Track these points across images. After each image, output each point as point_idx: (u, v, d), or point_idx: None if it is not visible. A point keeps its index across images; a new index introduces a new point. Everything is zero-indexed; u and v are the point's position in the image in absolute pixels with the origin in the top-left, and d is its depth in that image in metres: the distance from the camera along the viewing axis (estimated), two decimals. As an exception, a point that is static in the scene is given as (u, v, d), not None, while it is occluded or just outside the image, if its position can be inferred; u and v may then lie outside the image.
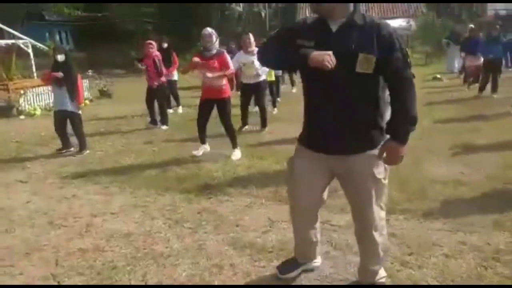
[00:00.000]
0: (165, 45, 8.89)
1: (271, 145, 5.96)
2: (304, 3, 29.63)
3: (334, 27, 1.92)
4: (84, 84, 11.80)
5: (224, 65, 5.12)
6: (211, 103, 5.26)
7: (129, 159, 5.54)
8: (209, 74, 5.02)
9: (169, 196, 3.99)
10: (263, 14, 25.46)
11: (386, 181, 2.10)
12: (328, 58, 1.82)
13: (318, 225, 2.39)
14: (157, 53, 7.70)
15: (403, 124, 1.94)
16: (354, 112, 1.97)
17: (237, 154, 5.30)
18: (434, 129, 6.34)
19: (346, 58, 1.86)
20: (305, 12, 28.31)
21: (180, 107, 9.28)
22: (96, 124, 8.24)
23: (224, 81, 5.24)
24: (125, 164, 5.27)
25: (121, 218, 3.52)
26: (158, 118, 7.78)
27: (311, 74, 1.98)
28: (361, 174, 2.05)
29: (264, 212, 3.46)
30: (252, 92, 7.00)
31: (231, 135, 5.39)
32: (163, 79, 7.67)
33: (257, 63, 6.44)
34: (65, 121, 6.01)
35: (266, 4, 28.14)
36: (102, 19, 24.67)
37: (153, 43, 7.75)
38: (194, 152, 5.41)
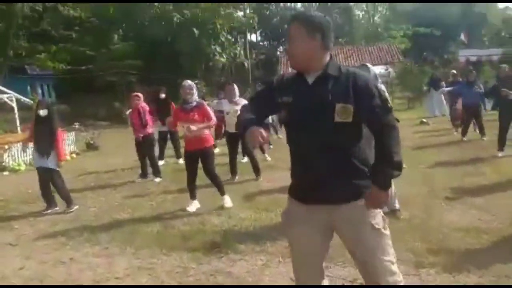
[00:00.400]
0: (163, 95, 8.77)
1: (273, 194, 5.75)
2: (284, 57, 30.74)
3: (310, 80, 1.96)
4: (70, 137, 11.64)
5: (205, 116, 5.07)
6: (195, 154, 5.12)
7: (126, 215, 5.25)
8: (193, 127, 4.92)
9: (176, 256, 3.71)
10: (246, 65, 26.15)
11: (387, 232, 2.00)
12: (255, 140, 1.90)
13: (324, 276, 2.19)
14: (143, 104, 7.55)
15: (385, 169, 1.90)
16: (339, 159, 1.95)
17: (227, 201, 5.18)
18: (435, 173, 6.29)
19: (324, 109, 1.91)
20: (286, 63, 29.25)
21: (181, 159, 9.03)
22: (86, 179, 7.94)
23: (207, 131, 5.17)
24: (122, 221, 4.98)
25: (127, 284, 3.21)
26: (150, 170, 7.55)
27: (293, 125, 2.02)
28: (357, 224, 1.97)
29: (284, 272, 3.21)
30: (237, 141, 6.91)
31: (218, 183, 5.26)
32: (149, 130, 7.45)
33: None
34: (48, 179, 5.73)
35: (248, 56, 29.07)
36: (86, 72, 24.76)
37: (140, 95, 7.63)
38: (188, 209, 5.17)
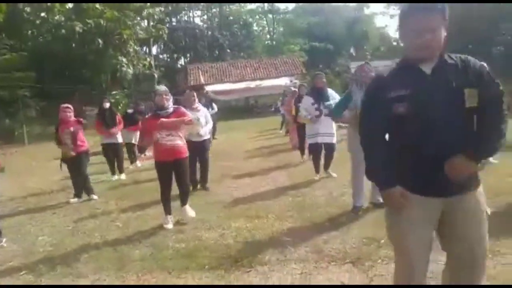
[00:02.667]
0: (107, 105, 8.00)
1: (250, 199, 5.51)
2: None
3: (427, 69, 1.90)
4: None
5: (182, 116, 4.73)
6: (170, 165, 4.72)
7: (96, 239, 4.51)
8: (179, 133, 4.63)
9: (195, 277, 3.28)
10: (156, 76, 25.16)
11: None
12: (396, 207, 1.96)
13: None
14: (74, 118, 6.70)
15: (488, 142, 1.89)
16: (464, 147, 1.87)
17: (190, 210, 4.93)
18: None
19: (453, 96, 1.85)
20: (195, 75, 28.90)
21: (123, 174, 8.22)
22: (9, 204, 6.69)
23: (182, 141, 4.81)
24: (97, 246, 4.26)
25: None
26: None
27: (414, 118, 1.90)
28: (475, 212, 1.95)
29: (331, 277, 3.03)
30: (197, 150, 6.53)
31: (187, 192, 4.97)
32: (84, 148, 6.59)
33: (202, 120, 6.16)
34: None
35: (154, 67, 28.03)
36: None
37: (70, 106, 6.75)
38: (166, 226, 4.68)
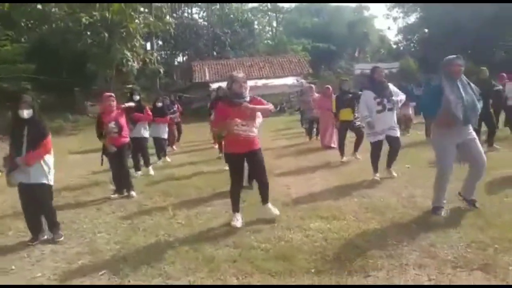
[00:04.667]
0: (137, 97, 7.64)
1: (316, 200, 5.19)
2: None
3: None
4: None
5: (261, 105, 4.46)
6: (243, 157, 4.47)
7: (163, 238, 4.22)
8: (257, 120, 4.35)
9: (304, 280, 3.01)
10: (161, 71, 24.72)
11: None
12: None
13: None
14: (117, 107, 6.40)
15: None
16: None
17: (273, 208, 4.60)
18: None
19: None
20: (200, 71, 28.56)
21: (151, 169, 7.88)
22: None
23: (256, 131, 4.54)
24: (168, 245, 3.95)
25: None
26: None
27: None
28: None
29: (474, 279, 2.79)
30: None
31: (267, 187, 4.56)
32: (127, 140, 6.29)
33: None
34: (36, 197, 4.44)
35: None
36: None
37: (113, 95, 6.44)
38: (235, 223, 4.40)
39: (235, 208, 4.54)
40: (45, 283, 3.38)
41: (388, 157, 6.18)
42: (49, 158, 4.48)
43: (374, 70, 6.21)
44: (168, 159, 9.15)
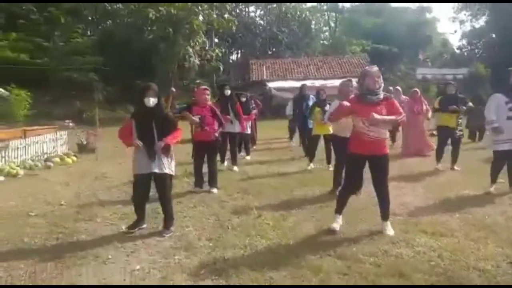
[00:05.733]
0: (228, 92, 7.58)
1: (413, 214, 4.84)
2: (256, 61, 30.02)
3: None
4: (63, 136, 9.82)
5: (394, 112, 4.05)
6: (364, 160, 4.13)
7: (255, 239, 4.03)
8: (377, 116, 3.85)
9: None
10: (221, 68, 24.95)
11: None
12: None
13: None
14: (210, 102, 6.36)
15: None
16: None
17: (390, 229, 4.15)
18: None
19: None
20: (257, 70, 28.55)
21: (236, 166, 7.80)
22: (125, 189, 6.38)
23: (387, 134, 4.23)
24: (268, 251, 3.74)
25: None
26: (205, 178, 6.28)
27: None
28: None
29: None
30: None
31: (388, 201, 4.20)
32: (212, 136, 6.09)
33: None
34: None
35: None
36: (41, 65, 21.85)
37: (208, 89, 6.38)
38: (333, 226, 4.14)
39: (339, 210, 4.25)
40: (146, 277, 3.29)
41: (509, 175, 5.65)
42: (172, 148, 4.42)
43: (510, 72, 5.58)
44: (248, 157, 9.05)
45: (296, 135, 10.94)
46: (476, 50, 42.81)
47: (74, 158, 9.07)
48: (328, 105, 6.93)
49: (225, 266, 3.38)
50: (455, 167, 7.32)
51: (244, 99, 8.88)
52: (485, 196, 5.45)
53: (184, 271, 3.34)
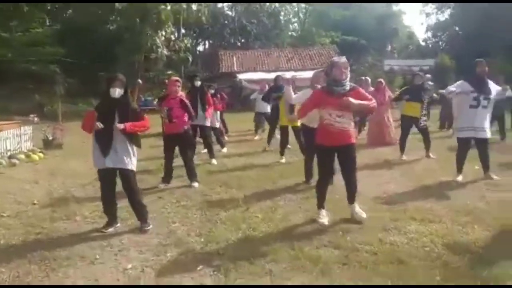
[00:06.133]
0: (198, 83, 7.37)
1: (399, 200, 4.91)
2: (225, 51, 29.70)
3: None
4: (28, 131, 9.32)
5: (362, 100, 4.05)
6: (333, 151, 4.16)
7: (248, 232, 3.96)
8: (353, 100, 3.86)
9: None
10: (190, 59, 24.47)
11: None
12: None
13: None
14: (182, 93, 6.20)
15: None
16: None
17: (360, 211, 4.23)
18: None
19: None
20: (228, 60, 28.26)
21: (214, 159, 7.65)
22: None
23: (352, 125, 4.23)
24: (265, 245, 3.65)
25: None
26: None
27: None
28: None
29: None
30: None
31: (356, 187, 4.25)
32: (182, 128, 5.95)
33: None
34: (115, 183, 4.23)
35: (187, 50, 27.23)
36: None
37: (180, 80, 6.22)
38: (321, 221, 4.13)
39: (321, 204, 4.27)
40: (140, 276, 3.14)
41: (482, 162, 5.79)
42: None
43: (477, 63, 5.68)
44: (224, 149, 8.93)
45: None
46: (440, 42, 44.27)
47: (41, 154, 8.62)
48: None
49: (222, 261, 3.29)
50: (431, 155, 7.50)
51: (212, 91, 8.75)
52: (462, 184, 5.60)
53: (179, 269, 3.23)
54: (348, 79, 4.01)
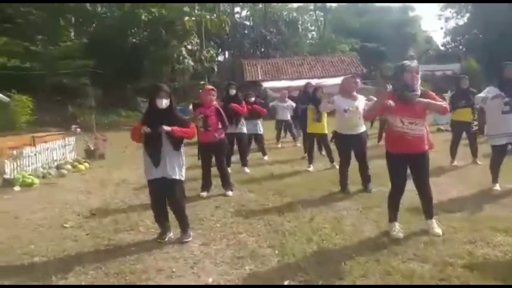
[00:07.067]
0: (234, 91, 7.30)
1: (452, 209, 4.69)
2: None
3: None
4: (71, 142, 9.42)
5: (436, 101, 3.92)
6: (405, 159, 3.94)
7: (322, 245, 3.81)
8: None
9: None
10: (215, 69, 24.61)
11: None
12: None
13: None
14: (215, 102, 6.10)
15: None
16: None
17: (436, 226, 3.97)
18: None
19: None
20: (253, 70, 28.35)
21: (247, 168, 7.56)
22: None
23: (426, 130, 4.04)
24: (343, 257, 3.51)
25: None
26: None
27: None
28: None
29: None
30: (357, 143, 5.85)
31: (431, 198, 4.02)
32: (218, 137, 5.88)
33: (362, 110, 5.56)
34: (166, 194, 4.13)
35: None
36: (31, 70, 21.10)
37: (215, 89, 6.13)
38: (395, 235, 3.89)
39: (393, 217, 4.06)
40: (226, 291, 3.03)
41: None
42: (183, 152, 4.17)
43: (505, 66, 5.41)
44: (265, 157, 8.84)
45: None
46: (460, 47, 43.54)
47: (87, 164, 8.68)
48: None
49: (308, 276, 3.15)
50: (478, 161, 7.25)
51: (252, 99, 8.66)
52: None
53: (264, 283, 3.10)
54: (419, 84, 3.85)
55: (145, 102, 28.28)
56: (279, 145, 10.95)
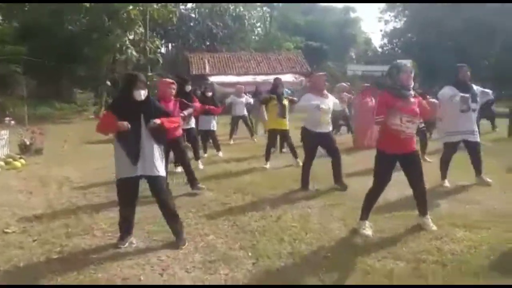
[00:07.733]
0: (189, 87, 6.98)
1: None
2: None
3: None
4: (4, 136, 8.55)
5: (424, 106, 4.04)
6: (396, 159, 4.00)
7: (287, 242, 3.73)
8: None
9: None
10: (160, 60, 23.68)
11: None
12: None
13: None
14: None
15: None
16: None
17: (431, 223, 4.09)
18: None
19: None
20: (198, 63, 27.78)
21: (200, 161, 7.30)
22: (100, 193, 5.64)
23: None
24: (314, 257, 3.47)
25: None
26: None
27: None
28: None
29: None
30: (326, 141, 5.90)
31: (425, 197, 4.10)
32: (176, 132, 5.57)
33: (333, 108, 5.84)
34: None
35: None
36: None
37: (175, 83, 5.85)
38: (365, 233, 3.93)
39: (366, 215, 4.06)
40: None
41: (474, 165, 5.83)
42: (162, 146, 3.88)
43: (458, 68, 5.74)
44: (220, 153, 8.61)
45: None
46: (396, 49, 46.06)
47: (23, 161, 7.89)
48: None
49: (289, 279, 3.04)
50: (427, 159, 7.50)
51: (209, 94, 8.42)
52: (478, 187, 5.66)
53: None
54: (412, 84, 3.92)
55: (81, 93, 26.77)
56: (231, 142, 10.77)
